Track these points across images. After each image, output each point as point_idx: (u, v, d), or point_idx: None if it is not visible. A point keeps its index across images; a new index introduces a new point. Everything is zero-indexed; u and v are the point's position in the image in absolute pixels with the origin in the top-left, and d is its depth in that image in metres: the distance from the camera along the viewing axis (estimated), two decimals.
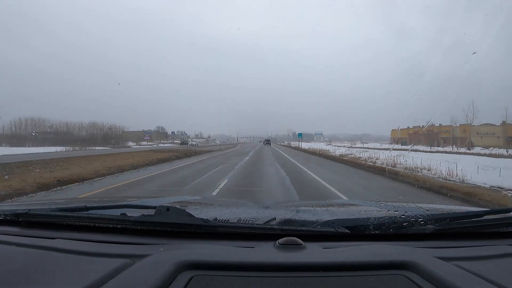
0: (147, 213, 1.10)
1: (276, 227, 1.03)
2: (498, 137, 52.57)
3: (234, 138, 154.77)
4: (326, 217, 1.27)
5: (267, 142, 79.66)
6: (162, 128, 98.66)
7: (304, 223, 1.07)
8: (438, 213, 1.29)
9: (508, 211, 1.20)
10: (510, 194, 7.01)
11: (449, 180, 9.23)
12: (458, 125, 56.01)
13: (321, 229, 1.02)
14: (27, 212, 1.15)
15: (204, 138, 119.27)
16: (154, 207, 1.08)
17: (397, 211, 1.25)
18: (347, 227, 1.01)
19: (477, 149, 36.55)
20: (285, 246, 0.91)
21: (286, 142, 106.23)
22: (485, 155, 25.77)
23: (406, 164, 13.36)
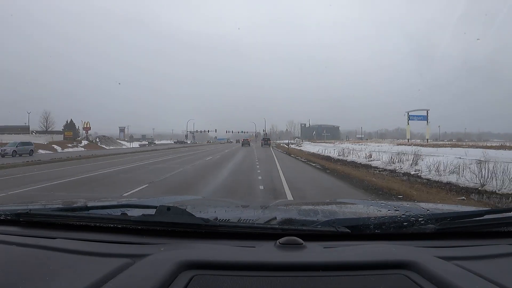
0: (148, 213, 1.10)
1: (277, 226, 1.03)
2: None
3: (227, 135, 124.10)
4: (326, 216, 1.27)
5: (266, 142, 46.85)
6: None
7: (304, 222, 1.07)
8: (438, 212, 1.29)
9: (508, 210, 1.20)
10: None
11: None
12: None
13: (322, 229, 1.02)
14: (27, 212, 1.15)
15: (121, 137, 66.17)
16: (155, 207, 1.08)
17: (398, 210, 1.26)
18: (347, 227, 1.01)
19: None
20: (285, 246, 0.91)
21: (310, 146, 41.16)
22: None
23: None
